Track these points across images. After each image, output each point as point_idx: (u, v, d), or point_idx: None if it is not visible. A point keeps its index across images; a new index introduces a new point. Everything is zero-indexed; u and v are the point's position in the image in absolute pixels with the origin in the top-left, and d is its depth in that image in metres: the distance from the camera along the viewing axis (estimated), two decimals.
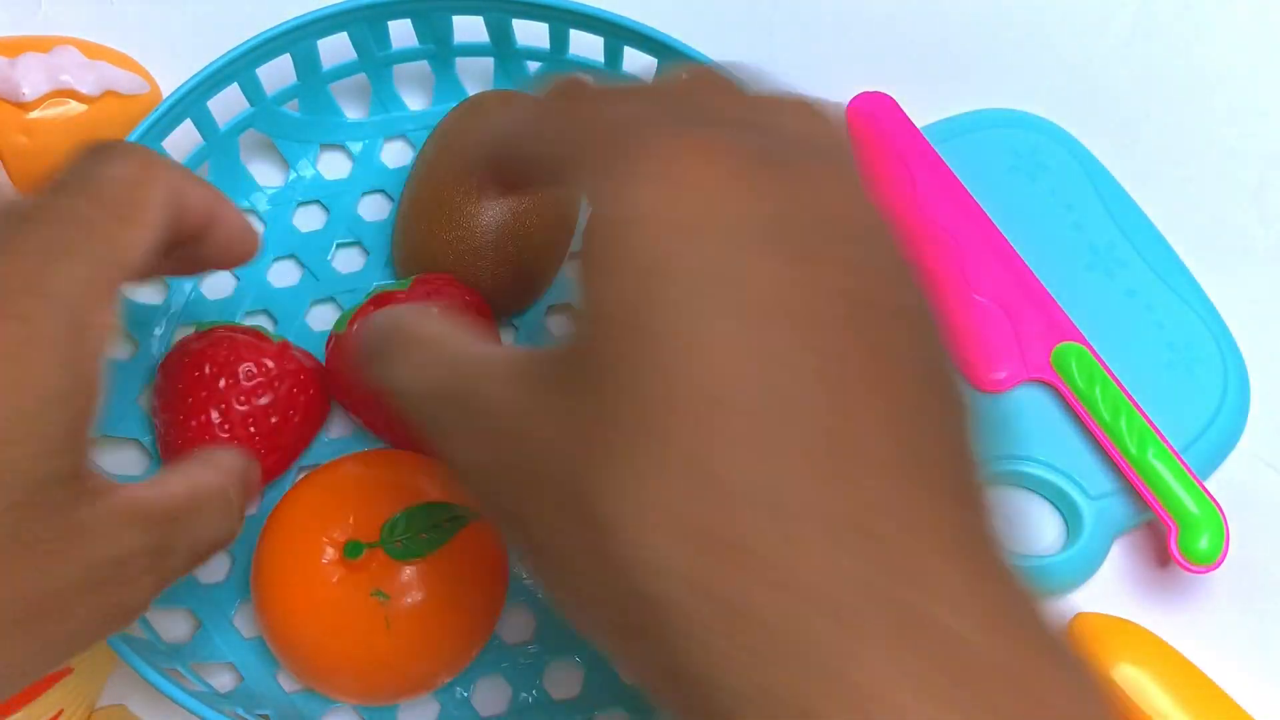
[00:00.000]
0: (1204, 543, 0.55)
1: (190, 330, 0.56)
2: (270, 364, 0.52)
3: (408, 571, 0.48)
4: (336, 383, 0.54)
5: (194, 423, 0.51)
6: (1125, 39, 0.68)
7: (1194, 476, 0.55)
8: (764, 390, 0.27)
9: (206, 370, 0.51)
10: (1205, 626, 0.57)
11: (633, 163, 0.29)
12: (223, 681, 0.52)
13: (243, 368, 0.52)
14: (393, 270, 0.58)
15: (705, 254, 0.27)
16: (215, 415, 0.51)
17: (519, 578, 0.54)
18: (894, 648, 0.25)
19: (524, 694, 0.53)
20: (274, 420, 0.52)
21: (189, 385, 0.52)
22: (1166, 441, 0.56)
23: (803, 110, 0.34)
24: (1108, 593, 0.57)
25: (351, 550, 0.48)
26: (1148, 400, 0.57)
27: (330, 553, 0.48)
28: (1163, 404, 0.58)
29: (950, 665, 0.25)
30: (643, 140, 0.29)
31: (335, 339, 0.53)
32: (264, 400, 0.52)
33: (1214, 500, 0.55)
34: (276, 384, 0.52)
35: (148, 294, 0.58)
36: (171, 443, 0.52)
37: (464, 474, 0.33)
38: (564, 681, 0.54)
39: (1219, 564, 0.54)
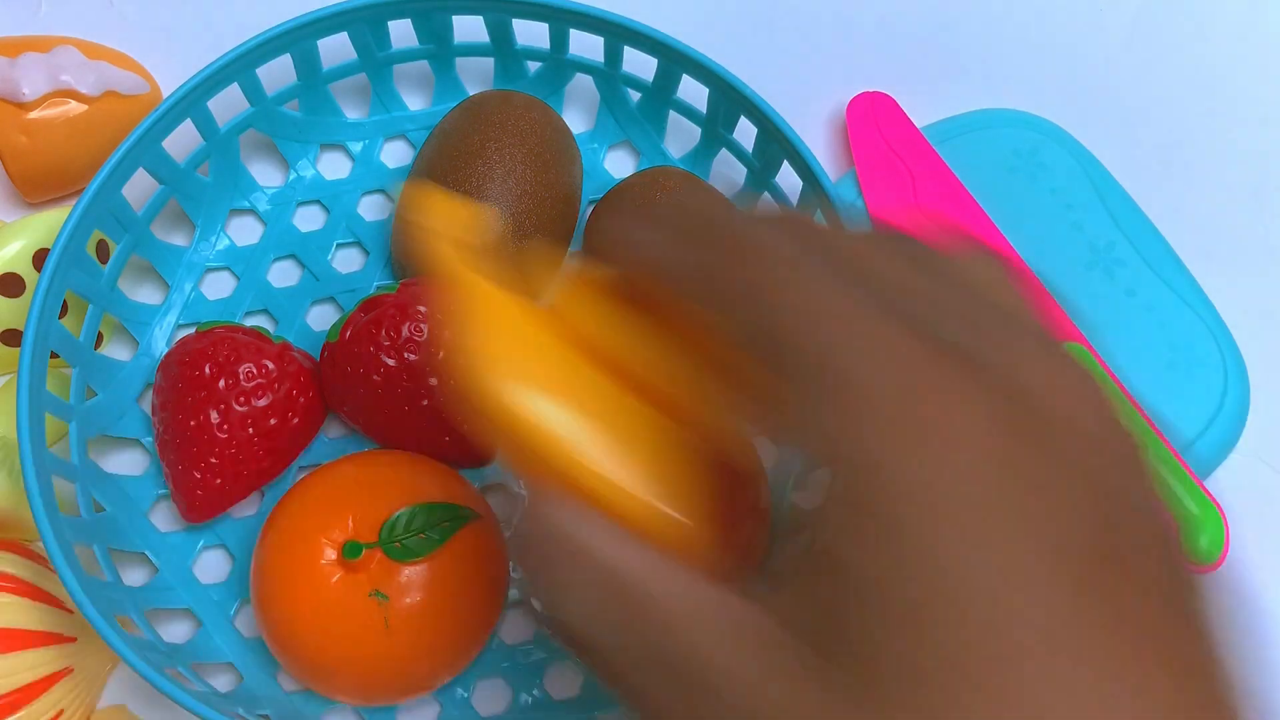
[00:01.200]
0: (1204, 543, 0.54)
1: (190, 330, 0.56)
2: (270, 365, 0.52)
3: (407, 572, 0.48)
4: (332, 391, 0.54)
5: (193, 423, 0.51)
6: (1125, 39, 0.68)
7: (1194, 476, 0.55)
8: (1073, 693, 0.25)
9: (206, 370, 0.51)
10: None
11: (885, 420, 0.26)
12: (222, 682, 0.52)
13: (242, 368, 0.52)
14: (392, 270, 0.58)
15: (986, 530, 0.25)
16: (214, 416, 0.51)
17: (519, 579, 0.54)
18: None
19: (524, 695, 0.53)
20: (273, 422, 0.52)
21: (188, 385, 0.52)
22: (1166, 441, 0.56)
23: (988, 279, 0.32)
24: None
25: (350, 551, 0.48)
26: (1148, 400, 0.57)
27: (329, 553, 0.48)
28: (1162, 404, 0.58)
29: None
30: (924, 405, 0.26)
31: (329, 347, 0.53)
32: (263, 401, 0.52)
33: (1214, 500, 0.55)
34: (276, 385, 0.52)
35: (148, 294, 0.58)
36: (170, 442, 0.52)
37: None
38: (564, 682, 0.53)
39: (1219, 564, 0.54)
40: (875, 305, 0.28)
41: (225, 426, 0.51)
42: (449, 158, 0.55)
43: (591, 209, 0.59)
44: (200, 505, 0.52)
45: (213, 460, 0.52)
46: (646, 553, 0.29)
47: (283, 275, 0.59)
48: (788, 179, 0.56)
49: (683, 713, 0.28)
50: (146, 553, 0.53)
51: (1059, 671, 0.24)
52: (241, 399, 0.52)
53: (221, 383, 0.51)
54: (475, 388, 0.32)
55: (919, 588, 0.25)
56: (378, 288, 0.55)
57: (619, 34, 0.56)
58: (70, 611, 0.51)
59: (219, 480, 0.52)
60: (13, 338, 0.56)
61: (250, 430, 0.52)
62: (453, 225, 0.37)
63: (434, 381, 0.52)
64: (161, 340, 0.57)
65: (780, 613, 0.27)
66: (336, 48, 0.58)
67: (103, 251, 0.55)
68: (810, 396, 0.27)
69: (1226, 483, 0.58)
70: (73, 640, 0.51)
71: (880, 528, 0.26)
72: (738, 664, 0.27)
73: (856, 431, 0.26)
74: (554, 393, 0.32)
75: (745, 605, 0.28)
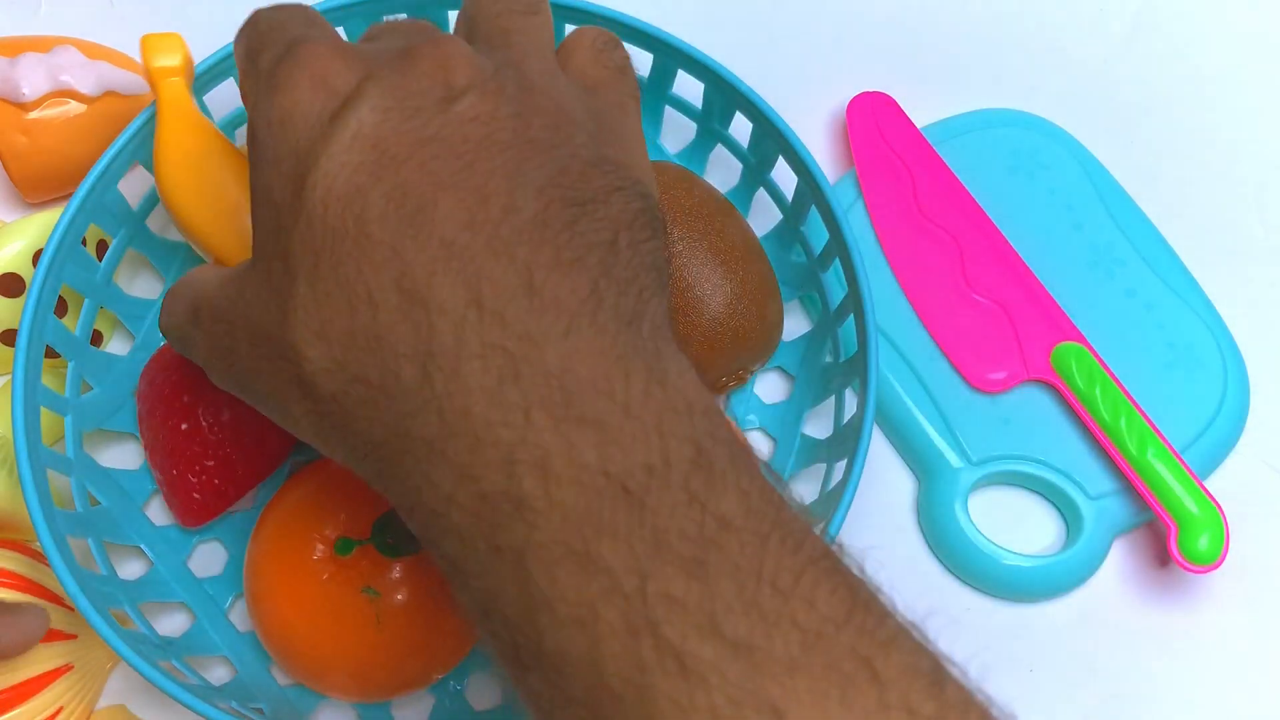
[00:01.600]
0: (1204, 543, 0.54)
1: None
2: None
3: (399, 568, 0.48)
4: None
5: (184, 426, 0.51)
6: (1125, 39, 0.68)
7: (1194, 476, 0.55)
8: (394, 218, 0.35)
9: (193, 373, 0.51)
10: (1205, 626, 0.56)
11: (278, 76, 0.38)
12: (217, 675, 0.52)
13: None
14: None
15: (339, 132, 0.36)
16: (205, 419, 0.51)
17: None
18: (487, 380, 0.33)
19: None
20: (265, 420, 0.52)
21: (175, 389, 0.51)
22: (1166, 441, 0.56)
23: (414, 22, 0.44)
24: (1108, 593, 0.57)
25: (343, 547, 0.48)
26: (1148, 400, 0.57)
27: (321, 549, 0.48)
28: (1163, 404, 0.58)
29: (544, 389, 0.33)
30: (284, 57, 0.38)
31: None
32: None
33: (1214, 500, 0.55)
34: None
35: (144, 288, 0.58)
36: (162, 449, 0.52)
37: (211, 368, 0.42)
38: None
39: (1219, 564, 0.54)
40: (326, 40, 0.39)
41: (217, 428, 0.51)
42: None
43: None
44: (198, 509, 0.52)
45: (209, 463, 0.51)
46: (212, 267, 0.44)
47: None
48: (783, 174, 0.56)
49: (198, 345, 0.42)
50: (142, 546, 0.53)
51: (397, 240, 0.35)
52: (231, 399, 0.51)
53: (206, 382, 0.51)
54: (159, 185, 0.51)
55: (270, 182, 0.37)
56: None
57: (617, 31, 0.56)
58: (71, 609, 0.51)
59: (216, 482, 0.52)
60: (13, 338, 0.56)
61: (243, 430, 0.52)
62: (168, 56, 0.52)
63: None
64: (157, 334, 0.57)
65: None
66: None
67: (103, 250, 0.55)
68: (248, 94, 0.41)
69: (1226, 483, 0.58)
70: (73, 637, 0.51)
71: (257, 155, 0.38)
72: (216, 297, 0.40)
73: (252, 98, 0.39)
74: (193, 183, 0.50)
75: (241, 263, 0.40)
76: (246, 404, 0.51)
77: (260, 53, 0.40)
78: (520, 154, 0.36)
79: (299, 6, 0.43)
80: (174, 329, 0.44)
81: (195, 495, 0.52)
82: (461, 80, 0.37)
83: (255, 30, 0.42)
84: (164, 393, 0.52)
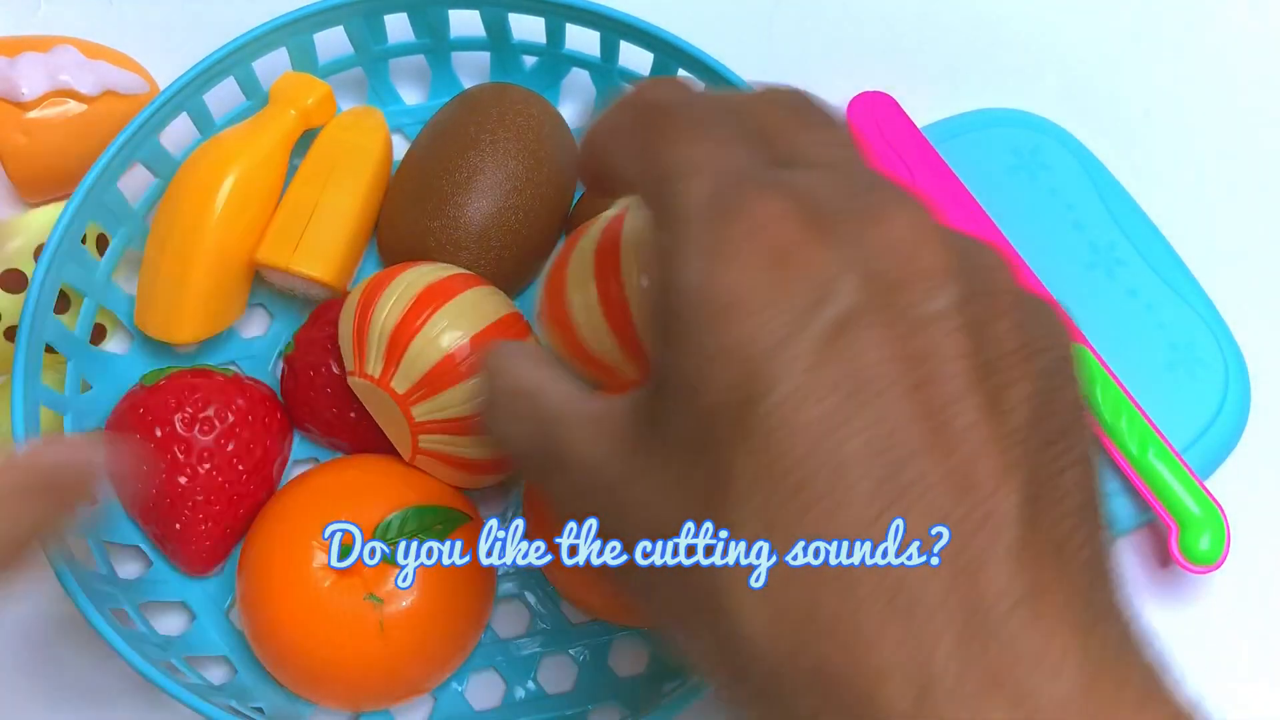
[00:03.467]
0: (1204, 543, 0.54)
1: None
2: (240, 401, 0.52)
3: (402, 575, 0.48)
4: (294, 404, 0.54)
5: (182, 480, 0.51)
6: (1125, 39, 0.68)
7: (1194, 476, 0.55)
8: (879, 476, 0.28)
9: (178, 425, 0.51)
10: (1205, 626, 0.56)
11: (724, 237, 0.30)
12: (216, 675, 0.52)
13: (212, 411, 0.51)
14: (378, 259, 0.58)
15: (806, 340, 0.28)
16: (204, 465, 0.51)
17: (509, 574, 0.54)
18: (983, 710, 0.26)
19: (518, 688, 0.53)
20: (258, 453, 0.52)
21: (163, 444, 0.51)
22: (1167, 441, 0.56)
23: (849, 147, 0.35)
24: None
25: (344, 553, 0.48)
26: (1148, 400, 0.57)
27: (321, 557, 0.48)
28: (1163, 404, 0.57)
29: None
30: (730, 208, 0.30)
31: (287, 360, 0.54)
32: (245, 436, 0.51)
33: (1215, 500, 0.55)
34: (250, 416, 0.52)
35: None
36: (160, 504, 0.51)
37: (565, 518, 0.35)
38: (558, 676, 0.53)
39: (1219, 564, 0.54)
40: (780, 192, 0.30)
41: (216, 473, 0.51)
42: (440, 147, 0.55)
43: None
44: (208, 554, 0.52)
45: (216, 509, 0.51)
46: (549, 371, 0.37)
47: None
48: None
49: (560, 489, 0.35)
50: (141, 546, 0.53)
51: (883, 508, 0.28)
52: (224, 440, 0.51)
53: (197, 430, 0.51)
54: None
55: (698, 372, 0.29)
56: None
57: (616, 29, 0.56)
58: None
59: (225, 526, 0.52)
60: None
61: (240, 467, 0.51)
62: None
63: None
64: None
65: (635, 406, 0.32)
66: (333, 42, 0.58)
67: (103, 246, 0.55)
68: (661, 224, 0.32)
69: (1227, 483, 0.58)
70: None
71: (673, 325, 0.30)
72: (588, 447, 0.33)
73: (670, 249, 0.31)
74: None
75: (610, 404, 0.33)
76: (242, 442, 0.51)
77: (672, 171, 0.32)
78: (1000, 381, 0.29)
79: (713, 99, 0.34)
80: (525, 457, 0.36)
81: (207, 542, 0.51)
82: (938, 268, 0.29)
83: (658, 129, 0.33)
84: (149, 447, 0.51)
